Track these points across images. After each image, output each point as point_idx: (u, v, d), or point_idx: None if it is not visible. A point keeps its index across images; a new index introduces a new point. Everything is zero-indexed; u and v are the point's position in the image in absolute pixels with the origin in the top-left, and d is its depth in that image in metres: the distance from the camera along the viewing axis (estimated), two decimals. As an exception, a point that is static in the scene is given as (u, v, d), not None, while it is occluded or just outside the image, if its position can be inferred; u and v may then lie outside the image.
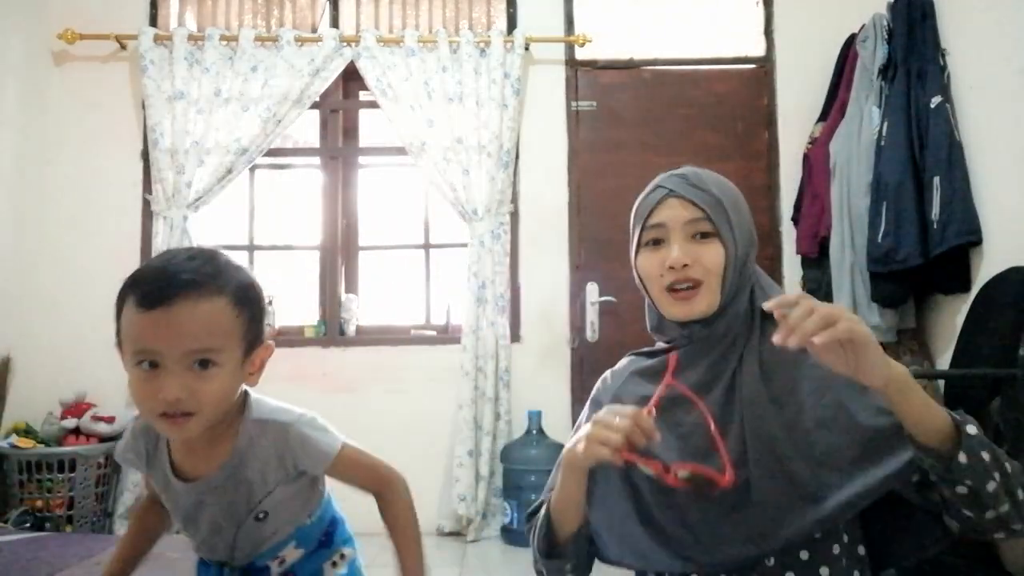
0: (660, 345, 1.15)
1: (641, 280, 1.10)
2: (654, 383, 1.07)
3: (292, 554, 1.18)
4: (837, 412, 0.96)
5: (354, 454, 1.17)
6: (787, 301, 0.83)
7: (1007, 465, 0.89)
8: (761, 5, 3.61)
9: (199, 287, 0.96)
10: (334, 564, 1.26)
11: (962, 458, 0.87)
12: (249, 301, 1.03)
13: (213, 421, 1.00)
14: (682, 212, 1.06)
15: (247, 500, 1.08)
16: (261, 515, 1.10)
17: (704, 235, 1.05)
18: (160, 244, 3.32)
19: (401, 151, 3.46)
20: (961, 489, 0.87)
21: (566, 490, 1.03)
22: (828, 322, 0.80)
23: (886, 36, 2.99)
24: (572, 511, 1.04)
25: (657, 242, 1.07)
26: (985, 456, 0.87)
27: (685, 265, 1.03)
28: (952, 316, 2.82)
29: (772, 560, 0.96)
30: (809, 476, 0.94)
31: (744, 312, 1.06)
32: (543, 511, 1.09)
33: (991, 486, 0.86)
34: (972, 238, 2.61)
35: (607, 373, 1.20)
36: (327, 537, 1.26)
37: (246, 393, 1.10)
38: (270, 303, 3.51)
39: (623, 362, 1.19)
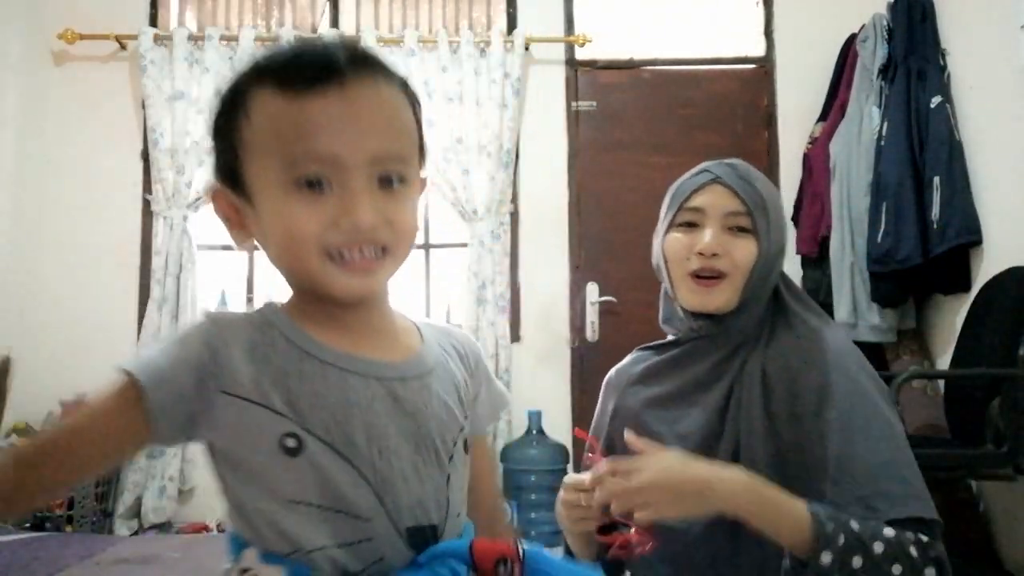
0: (669, 338, 1.13)
1: (665, 261, 1.06)
2: (655, 386, 1.07)
3: None
4: (817, 440, 0.93)
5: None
6: (601, 476, 0.87)
7: (873, 546, 0.84)
8: (761, 5, 3.61)
9: (382, 70, 0.68)
10: None
11: (825, 558, 0.82)
12: (417, 100, 0.73)
13: (395, 272, 0.72)
14: (724, 201, 1.02)
15: (456, 413, 0.74)
16: (468, 443, 0.75)
17: (741, 229, 1.01)
18: (160, 244, 3.33)
19: (401, 151, 3.46)
20: None
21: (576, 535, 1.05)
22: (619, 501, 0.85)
23: (886, 36, 2.99)
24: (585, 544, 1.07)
25: (691, 225, 1.04)
26: (857, 560, 0.83)
27: (715, 254, 1.00)
28: (952, 316, 2.82)
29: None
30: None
31: (757, 320, 1.04)
32: None
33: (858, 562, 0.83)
34: (972, 238, 2.61)
35: (612, 371, 1.19)
36: None
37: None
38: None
39: (629, 358, 1.18)
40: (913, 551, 0.85)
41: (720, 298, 1.01)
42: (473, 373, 0.80)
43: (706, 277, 1.01)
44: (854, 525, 0.84)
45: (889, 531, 0.85)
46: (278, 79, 0.65)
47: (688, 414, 1.02)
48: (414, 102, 0.72)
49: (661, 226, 1.08)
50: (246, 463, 0.68)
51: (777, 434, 0.95)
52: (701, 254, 1.00)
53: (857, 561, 0.82)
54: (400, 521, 0.66)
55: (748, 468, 0.92)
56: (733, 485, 0.85)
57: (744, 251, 1.00)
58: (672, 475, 0.85)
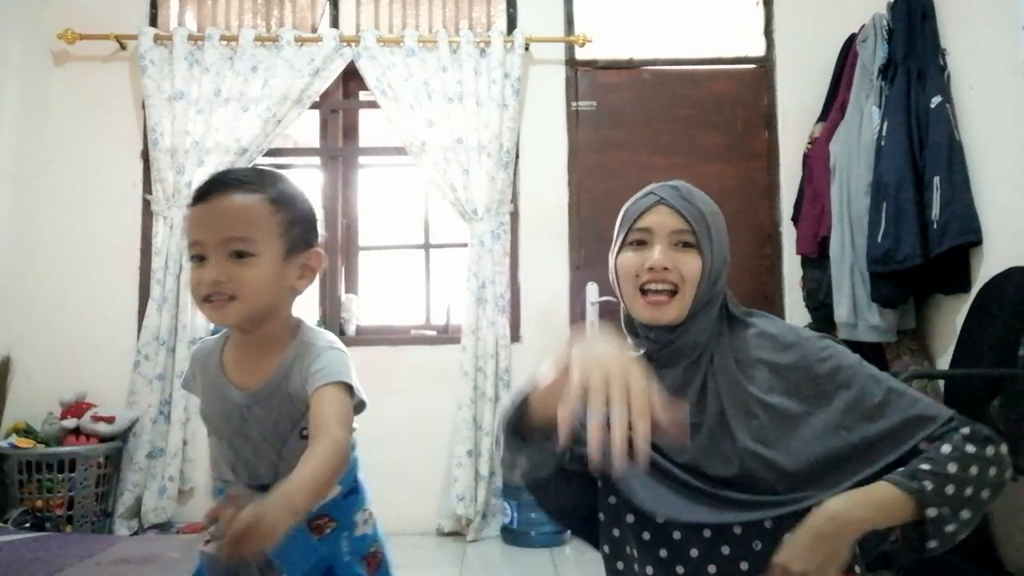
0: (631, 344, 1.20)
1: (617, 278, 1.16)
2: None
3: None
4: (784, 425, 1.05)
5: (338, 400, 1.07)
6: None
7: (948, 468, 0.98)
8: (761, 5, 3.61)
9: (238, 185, 1.08)
10: (364, 521, 1.23)
11: (931, 512, 0.96)
12: (288, 204, 1.11)
13: (255, 312, 1.08)
14: (670, 220, 1.11)
15: (290, 415, 1.12)
16: (304, 432, 1.11)
17: (686, 245, 1.11)
18: (160, 244, 3.33)
19: (401, 151, 3.46)
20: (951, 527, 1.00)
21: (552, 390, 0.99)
22: None
23: (886, 36, 2.99)
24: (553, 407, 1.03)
25: (641, 243, 1.13)
26: (950, 487, 0.98)
27: (665, 268, 1.09)
28: (952, 316, 2.82)
29: (739, 528, 1.04)
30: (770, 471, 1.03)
31: (711, 327, 1.13)
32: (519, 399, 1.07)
33: (969, 491, 1.00)
34: (972, 238, 2.61)
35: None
36: (356, 485, 1.24)
37: (299, 321, 1.18)
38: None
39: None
40: (970, 447, 1.01)
41: (672, 312, 1.10)
42: (307, 376, 1.10)
43: (657, 292, 1.10)
44: (923, 466, 0.97)
45: (944, 447, 1.00)
46: (190, 199, 1.10)
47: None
48: (287, 205, 1.11)
49: (614, 246, 1.18)
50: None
51: (770, 391, 1.07)
52: (652, 269, 1.10)
53: (951, 489, 0.97)
54: (248, 481, 1.14)
55: (739, 434, 1.04)
56: (848, 512, 0.94)
57: (691, 265, 1.10)
58: (810, 532, 0.93)
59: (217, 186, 1.08)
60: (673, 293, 1.10)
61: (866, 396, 1.03)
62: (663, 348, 1.13)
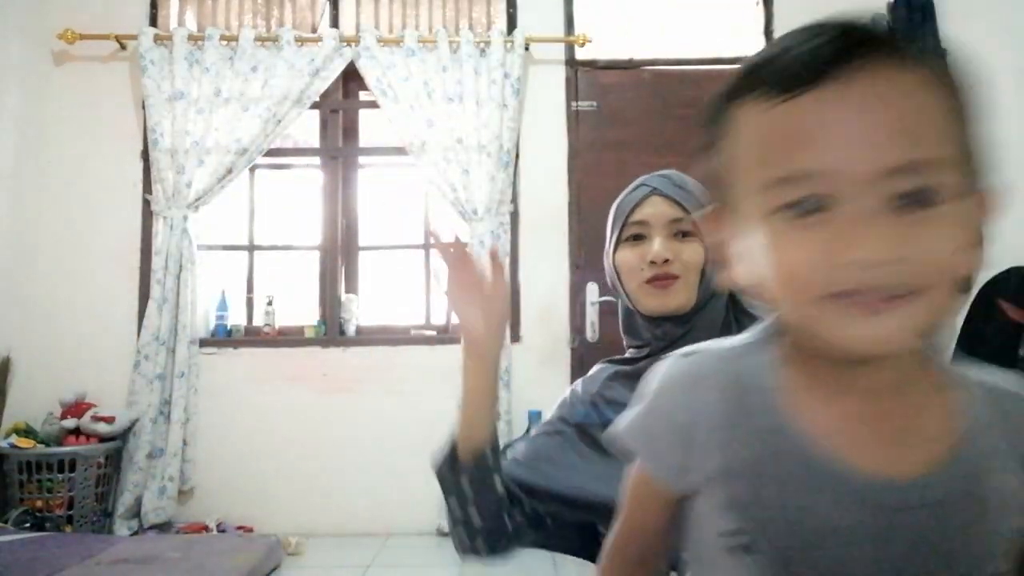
0: (634, 352, 1.14)
1: (617, 275, 1.11)
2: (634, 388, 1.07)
3: None
4: None
5: None
6: None
7: None
8: (761, 5, 3.61)
9: (896, 50, 0.53)
10: None
11: None
12: (968, 91, 0.58)
13: (930, 319, 0.53)
14: (665, 210, 1.08)
15: (976, 544, 0.53)
16: None
17: (685, 234, 1.07)
18: (160, 244, 3.33)
19: (401, 151, 3.46)
20: None
21: (472, 384, 1.02)
22: None
23: (886, 36, 2.99)
24: (482, 414, 1.03)
25: (638, 238, 1.09)
26: None
27: (666, 260, 1.05)
28: (952, 316, 2.82)
29: None
30: None
31: (720, 319, 1.08)
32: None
33: None
34: (972, 238, 2.61)
35: (578, 382, 1.19)
36: None
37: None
38: (269, 303, 3.51)
39: (596, 370, 1.18)
40: None
41: (679, 297, 1.05)
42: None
43: (661, 279, 1.05)
44: None
45: None
46: (762, 81, 0.54)
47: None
48: (959, 88, 0.56)
49: (609, 245, 1.13)
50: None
51: None
52: (653, 262, 1.05)
53: None
54: None
55: None
56: None
57: (692, 252, 1.06)
58: None
59: (845, 53, 0.52)
60: (676, 279, 1.05)
61: None
62: (673, 343, 1.04)
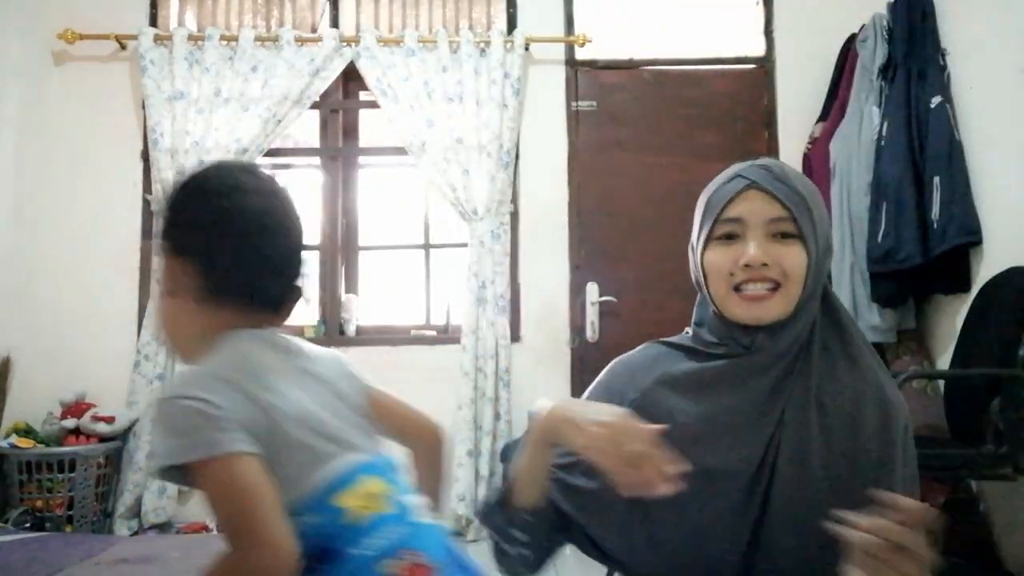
0: (698, 339, 1.03)
1: (704, 276, 1.00)
2: (689, 401, 0.98)
3: None
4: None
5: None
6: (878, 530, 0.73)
7: None
8: (761, 5, 3.61)
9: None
10: None
11: None
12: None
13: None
14: (764, 207, 0.95)
15: None
16: None
17: (785, 235, 0.95)
18: (160, 244, 3.32)
19: (401, 151, 3.46)
20: None
21: (537, 460, 0.99)
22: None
23: (886, 36, 2.99)
24: (537, 481, 1.00)
25: (731, 237, 0.97)
26: None
27: (764, 264, 0.93)
28: (952, 316, 2.82)
29: None
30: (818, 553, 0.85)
31: (811, 323, 0.98)
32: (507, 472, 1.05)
33: None
34: (972, 238, 2.61)
35: (622, 364, 1.09)
36: None
37: None
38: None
39: (646, 354, 1.08)
40: None
41: (777, 308, 0.94)
42: None
43: (756, 289, 0.95)
44: None
45: None
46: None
47: (745, 438, 0.95)
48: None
49: (697, 241, 1.01)
50: None
51: (834, 465, 0.92)
52: (748, 266, 0.94)
53: None
54: None
55: (800, 497, 0.91)
56: None
57: (794, 259, 0.94)
58: None
59: None
60: (774, 289, 0.94)
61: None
62: (751, 355, 0.97)
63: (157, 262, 0.96)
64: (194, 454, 0.77)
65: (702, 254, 0.99)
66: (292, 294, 1.00)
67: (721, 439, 0.95)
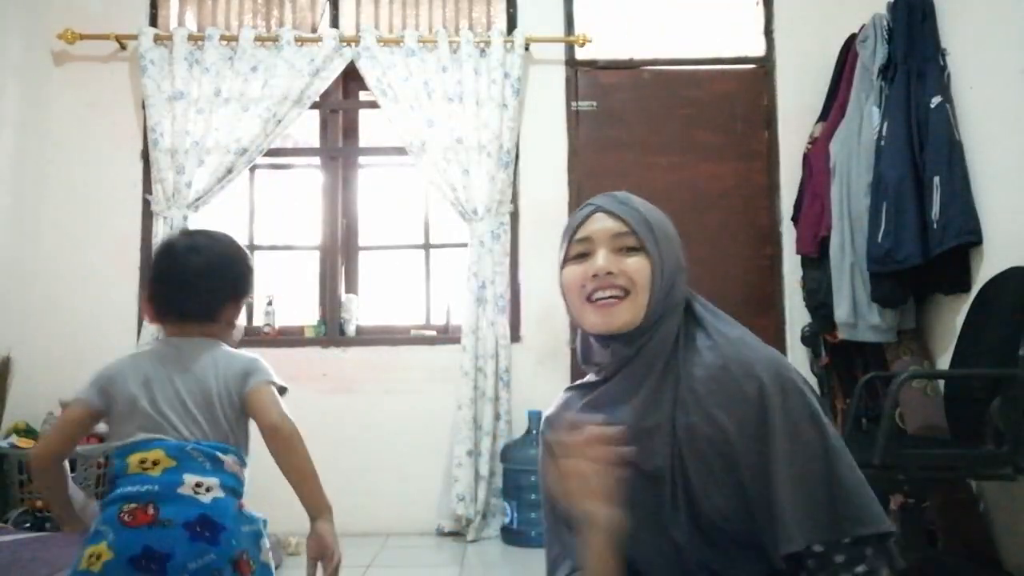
0: (593, 377, 1.13)
1: (564, 296, 1.10)
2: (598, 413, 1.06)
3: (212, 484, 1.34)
4: (760, 460, 0.95)
5: None
6: None
7: None
8: (761, 5, 3.61)
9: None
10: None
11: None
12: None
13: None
14: (609, 225, 1.06)
15: None
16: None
17: (631, 249, 1.05)
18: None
19: (401, 151, 3.46)
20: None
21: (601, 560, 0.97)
22: None
23: (886, 36, 2.99)
24: None
25: (584, 256, 1.07)
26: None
27: (609, 273, 1.03)
28: (952, 316, 2.82)
29: None
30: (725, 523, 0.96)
31: (673, 336, 1.05)
32: None
33: None
34: (972, 238, 2.61)
35: (545, 424, 1.19)
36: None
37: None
38: (269, 303, 3.51)
39: (560, 402, 1.18)
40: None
41: (624, 315, 1.02)
42: None
43: (606, 298, 1.03)
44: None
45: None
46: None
47: (648, 445, 1.01)
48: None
49: (558, 264, 1.12)
50: None
51: (722, 442, 0.98)
52: (596, 276, 1.03)
53: None
54: None
55: (707, 484, 0.97)
56: None
57: (637, 266, 1.03)
58: None
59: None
60: (623, 297, 1.03)
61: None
62: (624, 364, 1.05)
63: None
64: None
65: (561, 274, 1.10)
66: (190, 307, 1.46)
67: (640, 445, 1.01)
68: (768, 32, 3.58)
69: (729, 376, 0.99)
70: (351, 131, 3.72)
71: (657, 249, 1.04)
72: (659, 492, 1.00)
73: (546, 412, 1.20)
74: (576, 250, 1.08)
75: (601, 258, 1.04)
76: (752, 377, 0.97)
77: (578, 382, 1.17)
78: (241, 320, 1.57)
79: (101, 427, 3.16)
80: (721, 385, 0.98)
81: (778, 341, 3.38)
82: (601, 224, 1.06)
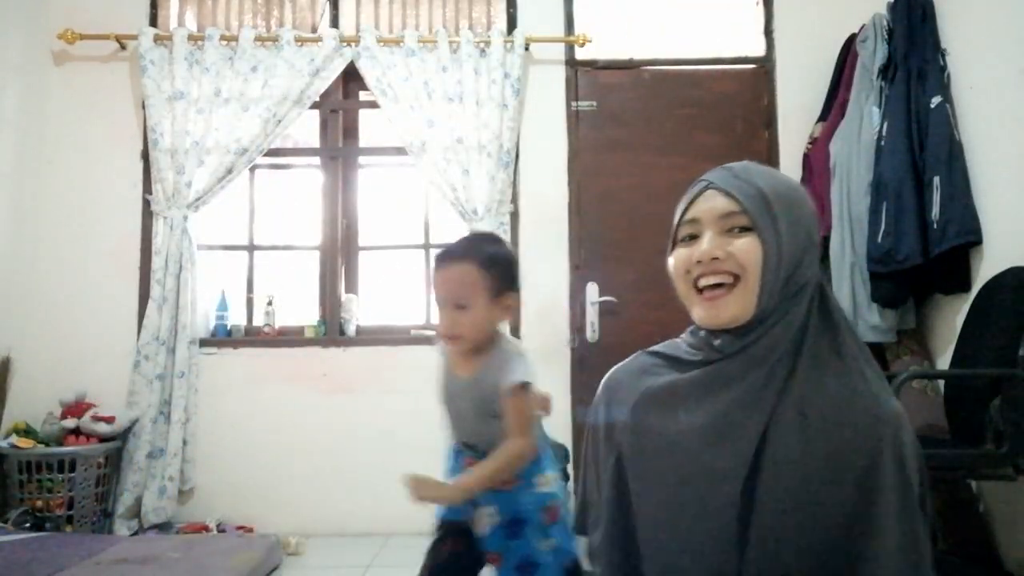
0: (684, 349, 1.03)
1: (674, 283, 1.01)
2: (669, 418, 0.97)
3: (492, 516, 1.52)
4: (847, 522, 0.86)
5: (518, 406, 1.44)
6: None
7: None
8: (761, 5, 3.61)
9: (457, 260, 1.50)
10: (543, 482, 1.53)
11: None
12: (492, 266, 1.51)
13: (475, 342, 1.51)
14: (719, 204, 0.95)
15: (486, 400, 1.48)
16: (493, 413, 1.46)
17: (743, 229, 0.93)
18: (160, 244, 3.33)
19: (401, 151, 3.46)
20: None
21: None
22: None
23: (886, 36, 2.99)
24: None
25: (692, 238, 0.98)
26: None
27: (714, 258, 0.93)
28: (952, 316, 2.82)
29: None
30: None
31: (793, 333, 0.92)
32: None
33: None
34: (972, 238, 2.61)
35: (616, 375, 1.10)
36: (538, 455, 1.52)
37: (499, 334, 1.57)
38: (269, 303, 3.51)
39: (635, 363, 1.09)
40: None
41: (732, 306, 0.92)
42: (498, 376, 1.50)
43: (713, 287, 0.94)
44: None
45: None
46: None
47: (722, 451, 0.92)
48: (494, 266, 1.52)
49: (668, 246, 1.03)
50: None
51: (809, 489, 0.88)
52: (700, 261, 0.94)
53: None
54: (459, 438, 1.64)
55: (781, 518, 0.88)
56: None
57: (746, 248, 0.92)
58: None
59: (441, 259, 1.51)
60: (733, 285, 0.92)
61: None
62: (725, 359, 0.94)
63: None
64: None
65: (669, 259, 1.02)
66: None
67: (699, 453, 0.93)
68: (768, 32, 3.58)
69: (849, 416, 0.88)
70: (351, 131, 3.72)
71: (773, 228, 0.92)
72: (708, 505, 0.91)
73: (615, 371, 1.10)
74: (684, 232, 0.99)
75: (707, 241, 0.94)
76: (873, 431, 0.87)
77: (660, 348, 1.07)
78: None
79: (102, 426, 3.17)
80: (836, 424, 0.88)
81: (778, 341, 3.37)
82: (710, 203, 0.96)
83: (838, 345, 0.93)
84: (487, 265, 1.50)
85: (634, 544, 0.98)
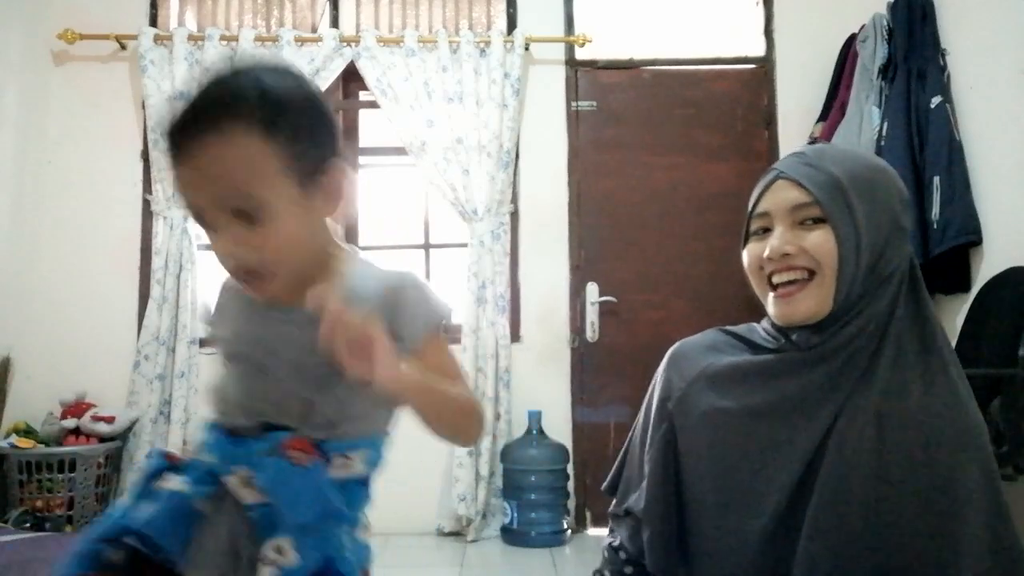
0: (759, 333, 0.99)
1: (748, 278, 0.98)
2: (726, 399, 0.93)
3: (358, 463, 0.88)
4: (940, 533, 0.81)
5: (444, 350, 0.90)
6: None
7: None
8: (761, 5, 3.61)
9: (210, 124, 0.79)
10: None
11: None
12: (283, 120, 0.78)
13: (294, 272, 0.82)
14: (789, 195, 0.90)
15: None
16: (337, 377, 0.77)
17: (816, 220, 0.88)
18: (160, 244, 3.33)
19: (401, 151, 3.46)
20: None
21: None
22: None
23: (886, 36, 2.99)
24: None
25: (765, 231, 0.93)
26: None
27: (786, 254, 0.88)
28: (952, 316, 2.82)
29: None
30: None
31: (876, 326, 0.86)
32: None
33: None
34: (972, 238, 2.61)
35: (682, 348, 1.04)
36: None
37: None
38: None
39: (705, 339, 1.04)
40: None
41: (807, 302, 0.88)
42: (390, 312, 0.85)
43: (787, 283, 0.89)
44: None
45: None
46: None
47: (781, 439, 0.88)
48: (281, 123, 0.78)
49: (741, 240, 0.99)
50: None
51: (889, 483, 0.83)
52: (771, 258, 0.90)
53: None
54: (260, 419, 0.88)
55: (841, 514, 0.83)
56: None
57: (819, 241, 0.87)
58: None
59: (183, 134, 0.81)
60: (808, 280, 0.88)
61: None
62: (799, 350, 0.90)
63: None
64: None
65: (743, 254, 0.97)
66: None
67: (756, 441, 0.89)
68: (768, 32, 3.58)
69: (930, 425, 0.83)
70: (351, 131, 3.71)
71: (850, 218, 0.86)
72: (762, 498, 0.88)
73: (684, 341, 1.05)
74: (756, 225, 0.94)
75: (777, 236, 0.89)
76: (957, 442, 0.83)
77: (736, 329, 1.03)
78: None
79: (102, 426, 3.17)
80: (915, 430, 0.83)
81: (778, 341, 3.38)
82: (780, 194, 0.91)
83: (927, 340, 0.88)
84: (273, 121, 0.79)
85: (678, 506, 0.97)
